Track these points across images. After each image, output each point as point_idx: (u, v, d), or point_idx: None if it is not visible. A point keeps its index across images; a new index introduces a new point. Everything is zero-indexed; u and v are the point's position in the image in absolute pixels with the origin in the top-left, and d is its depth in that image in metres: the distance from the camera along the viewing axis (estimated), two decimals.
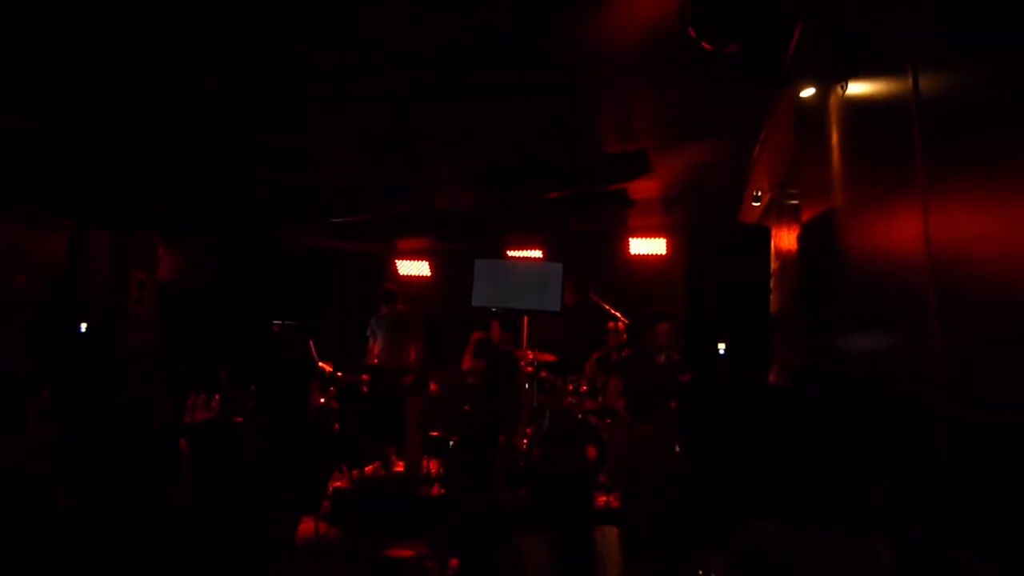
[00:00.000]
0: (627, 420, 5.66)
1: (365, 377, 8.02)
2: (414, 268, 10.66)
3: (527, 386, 7.47)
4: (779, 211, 5.57)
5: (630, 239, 9.39)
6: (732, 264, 4.83)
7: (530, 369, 7.64)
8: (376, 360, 8.26)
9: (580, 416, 7.47)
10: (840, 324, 3.36)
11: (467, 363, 7.14)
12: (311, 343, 7.70)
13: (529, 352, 7.66)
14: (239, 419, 6.11)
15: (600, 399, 7.56)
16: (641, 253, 9.43)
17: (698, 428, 4.41)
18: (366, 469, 7.78)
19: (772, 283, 5.24)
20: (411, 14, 4.04)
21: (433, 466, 7.42)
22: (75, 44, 4.27)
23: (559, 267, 7.37)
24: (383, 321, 8.42)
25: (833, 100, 3.35)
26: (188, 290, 8.99)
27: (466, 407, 7.12)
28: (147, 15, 3.93)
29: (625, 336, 8.07)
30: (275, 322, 8.22)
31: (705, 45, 3.55)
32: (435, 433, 7.50)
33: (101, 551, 3.29)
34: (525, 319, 7.35)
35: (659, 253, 9.35)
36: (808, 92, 3.93)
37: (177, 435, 4.70)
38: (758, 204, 6.26)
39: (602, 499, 6.65)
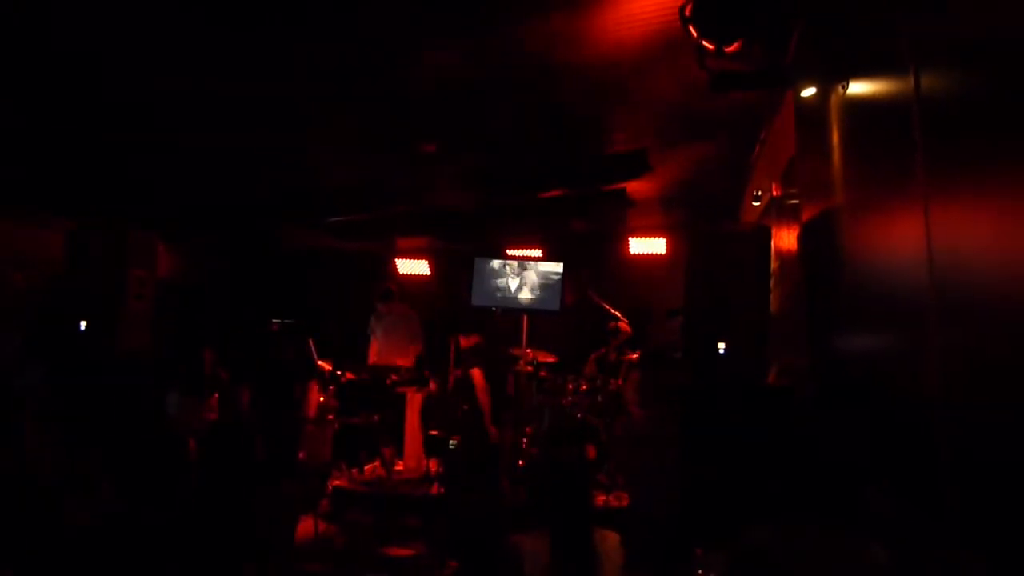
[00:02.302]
0: (636, 417, 5.66)
1: (365, 376, 8.02)
2: (414, 267, 10.67)
3: (525, 383, 7.46)
4: (779, 211, 5.56)
5: (630, 239, 9.39)
6: (732, 264, 4.83)
7: (529, 368, 7.64)
8: (375, 359, 8.26)
9: (579, 415, 7.46)
10: (840, 324, 3.35)
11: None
12: (311, 342, 7.69)
13: (528, 351, 7.66)
14: (239, 418, 6.11)
15: (600, 399, 7.56)
16: (640, 253, 9.44)
17: (697, 427, 4.40)
18: (365, 468, 7.78)
19: (772, 283, 5.23)
20: (411, 14, 4.04)
21: (432, 465, 7.42)
22: (75, 43, 4.27)
23: (559, 267, 7.37)
24: (381, 320, 8.40)
25: (834, 100, 3.35)
26: (188, 289, 8.98)
27: (465, 406, 7.12)
28: (147, 14, 3.92)
29: (623, 337, 8.06)
30: (274, 321, 8.21)
31: (706, 44, 3.55)
32: (435, 432, 7.50)
33: (104, 550, 3.30)
34: (524, 318, 7.35)
35: (659, 253, 9.36)
36: (809, 92, 3.92)
37: (186, 435, 4.70)
38: (758, 204, 6.25)
39: (601, 498, 6.66)
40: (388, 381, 7.79)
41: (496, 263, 7.56)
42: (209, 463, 5.05)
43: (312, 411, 7.39)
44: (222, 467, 4.98)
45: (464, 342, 6.83)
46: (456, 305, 8.26)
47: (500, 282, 7.37)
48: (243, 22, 4.03)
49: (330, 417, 7.43)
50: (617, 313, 8.23)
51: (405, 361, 8.05)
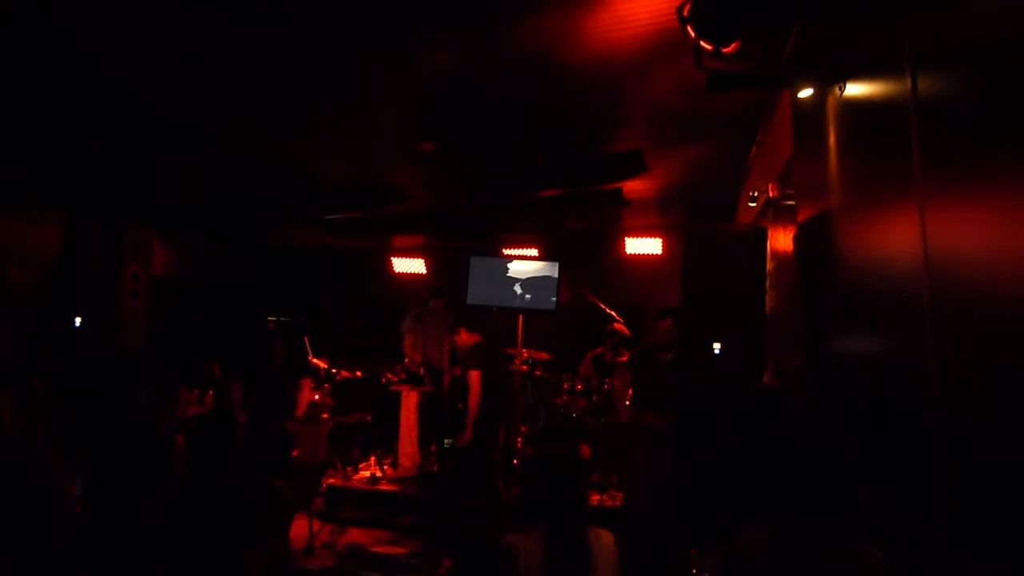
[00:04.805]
0: (632, 417, 5.66)
1: (360, 374, 7.99)
2: (409, 266, 10.63)
3: (520, 382, 7.46)
4: (775, 212, 5.56)
5: (626, 239, 9.39)
6: (728, 264, 4.84)
7: (525, 368, 7.63)
8: (419, 356, 8.06)
9: (574, 415, 7.47)
10: (835, 326, 3.36)
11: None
12: (306, 339, 7.68)
13: (524, 351, 7.66)
14: (231, 415, 6.09)
15: (595, 398, 7.56)
16: (637, 253, 9.43)
17: (692, 427, 4.41)
18: (360, 466, 7.78)
19: (767, 284, 5.24)
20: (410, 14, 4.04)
21: (427, 464, 7.42)
22: (75, 39, 4.25)
23: (555, 266, 7.36)
24: (429, 317, 8.18)
25: (831, 101, 3.35)
26: (183, 285, 8.96)
27: (460, 405, 7.11)
28: (147, 13, 3.91)
29: (619, 338, 8.07)
30: (270, 319, 8.19)
31: (704, 44, 3.54)
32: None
33: (94, 547, 3.29)
34: (520, 317, 7.34)
35: (655, 253, 9.35)
36: (806, 93, 3.92)
37: (174, 431, 4.67)
38: (754, 204, 6.25)
39: (596, 498, 6.67)
40: (383, 380, 7.76)
41: (492, 262, 7.55)
42: (196, 460, 5.02)
43: (302, 410, 7.37)
44: (209, 464, 4.95)
45: (466, 338, 6.78)
46: (453, 304, 8.22)
47: (496, 281, 7.35)
48: (242, 19, 4.02)
49: (324, 416, 7.42)
50: (613, 313, 8.23)
51: (442, 360, 7.92)
